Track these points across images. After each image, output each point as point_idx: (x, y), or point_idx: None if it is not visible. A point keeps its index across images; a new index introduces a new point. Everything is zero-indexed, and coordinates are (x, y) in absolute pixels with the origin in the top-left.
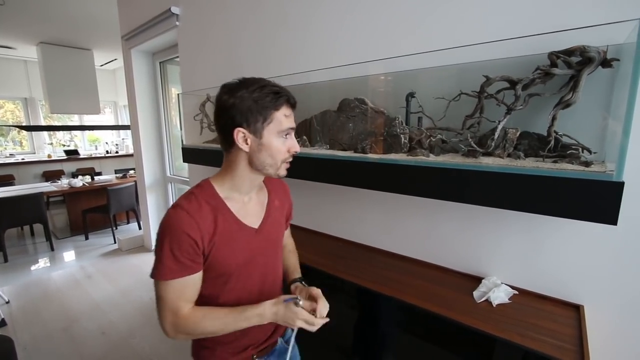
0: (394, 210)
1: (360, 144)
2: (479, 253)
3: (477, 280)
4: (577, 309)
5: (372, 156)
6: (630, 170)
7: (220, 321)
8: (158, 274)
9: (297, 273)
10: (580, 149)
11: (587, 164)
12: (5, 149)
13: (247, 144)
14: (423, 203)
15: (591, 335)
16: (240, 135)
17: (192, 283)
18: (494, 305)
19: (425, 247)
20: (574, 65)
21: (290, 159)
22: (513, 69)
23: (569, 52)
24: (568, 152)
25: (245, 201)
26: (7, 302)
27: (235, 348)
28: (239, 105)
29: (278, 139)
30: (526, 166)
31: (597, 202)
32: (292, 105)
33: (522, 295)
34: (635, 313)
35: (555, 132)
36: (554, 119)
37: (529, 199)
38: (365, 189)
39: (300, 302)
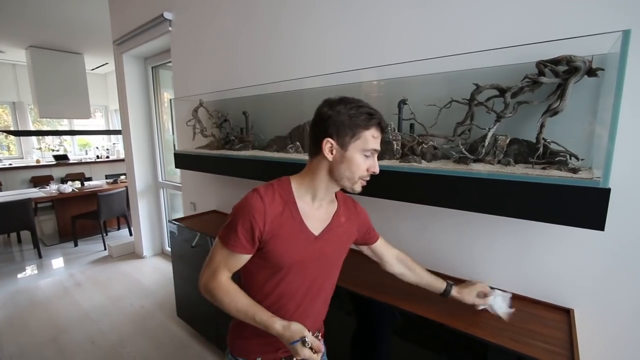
0: (385, 217)
1: None
2: (471, 258)
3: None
4: (568, 313)
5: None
6: (617, 177)
7: (236, 306)
8: (221, 235)
9: (440, 282)
10: (568, 156)
11: (574, 170)
12: None
13: (332, 154)
14: (415, 209)
15: (581, 338)
16: (327, 145)
17: (238, 259)
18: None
19: (417, 252)
20: (560, 74)
21: (368, 178)
22: (502, 77)
23: (556, 62)
24: (556, 158)
25: (315, 207)
26: None
27: (267, 344)
28: (335, 118)
29: (360, 156)
30: (516, 172)
31: (585, 208)
32: (382, 129)
33: (515, 300)
34: (623, 315)
35: (543, 139)
36: (542, 126)
37: (519, 205)
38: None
39: (308, 344)
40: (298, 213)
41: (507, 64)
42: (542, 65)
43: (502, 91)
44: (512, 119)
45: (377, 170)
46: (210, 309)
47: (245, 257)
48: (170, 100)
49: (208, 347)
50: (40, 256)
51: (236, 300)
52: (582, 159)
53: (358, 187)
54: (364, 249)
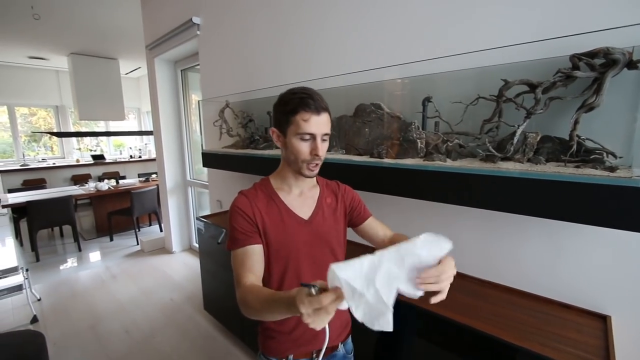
0: (410, 216)
1: (376, 148)
2: (498, 260)
3: (496, 287)
4: (604, 320)
5: (387, 161)
6: None
7: (256, 300)
8: (227, 246)
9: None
10: (604, 154)
11: (612, 169)
12: (38, 154)
13: (279, 141)
14: (440, 209)
15: (618, 347)
16: (274, 134)
17: (250, 254)
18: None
19: None
20: (597, 67)
21: (316, 162)
22: (533, 72)
23: (592, 54)
24: (591, 156)
25: (296, 194)
26: (39, 300)
27: (295, 341)
28: (276, 108)
29: (298, 141)
30: (547, 171)
31: (622, 208)
32: (314, 110)
33: (545, 304)
34: None
35: (577, 136)
36: (576, 122)
37: (550, 205)
38: (381, 193)
39: (314, 290)
40: (282, 202)
41: (538, 58)
42: (576, 58)
43: (532, 87)
44: (543, 115)
45: (319, 153)
46: (235, 303)
47: (257, 249)
48: (199, 101)
49: (233, 340)
50: (80, 249)
51: (258, 294)
52: (620, 157)
53: (306, 171)
54: (359, 233)
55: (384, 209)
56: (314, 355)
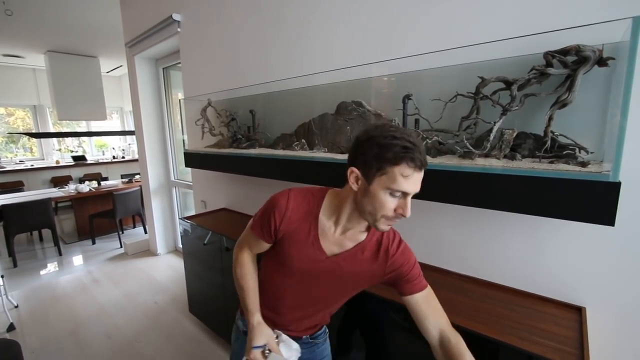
0: None
1: None
2: (478, 255)
3: (476, 282)
4: (579, 311)
5: None
6: (629, 170)
7: (241, 279)
8: (253, 220)
9: None
10: (577, 149)
11: (583, 164)
12: (16, 155)
13: (357, 184)
14: (421, 205)
15: (592, 337)
16: (353, 174)
17: (258, 243)
18: None
19: (423, 249)
20: (569, 64)
21: (396, 219)
22: (509, 70)
23: (564, 52)
24: (565, 152)
25: (337, 232)
26: (16, 307)
27: (267, 319)
28: (364, 145)
29: (385, 194)
30: (522, 167)
31: (594, 202)
32: (418, 167)
33: (524, 298)
34: (636, 314)
35: (552, 132)
36: (550, 119)
37: (526, 201)
38: None
39: (267, 354)
40: (316, 229)
41: (513, 55)
42: (550, 56)
43: (508, 84)
44: (519, 112)
45: (406, 214)
46: (221, 305)
47: (264, 244)
48: (180, 100)
49: (219, 342)
50: (60, 254)
51: (245, 276)
52: (591, 152)
53: (382, 226)
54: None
55: None
56: (275, 330)
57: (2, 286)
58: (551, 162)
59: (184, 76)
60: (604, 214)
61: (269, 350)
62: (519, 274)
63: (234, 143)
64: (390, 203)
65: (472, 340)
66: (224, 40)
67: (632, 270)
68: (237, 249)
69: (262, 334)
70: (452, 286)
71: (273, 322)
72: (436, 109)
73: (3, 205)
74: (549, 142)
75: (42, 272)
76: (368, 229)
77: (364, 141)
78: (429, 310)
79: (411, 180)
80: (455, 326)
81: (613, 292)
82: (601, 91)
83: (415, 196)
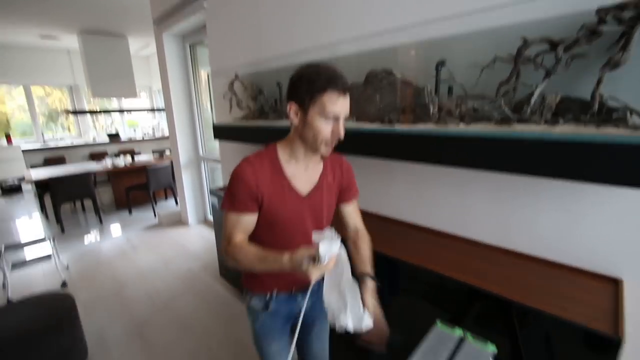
0: (421, 183)
1: (388, 115)
2: (510, 226)
3: (507, 252)
4: (616, 283)
5: (399, 127)
6: None
7: (248, 259)
8: (223, 205)
9: (366, 266)
10: (628, 113)
11: (635, 127)
12: (56, 133)
13: (296, 117)
14: (453, 175)
15: (629, 310)
16: (292, 109)
17: (244, 220)
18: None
19: (454, 219)
20: (626, 20)
21: (334, 143)
22: (554, 30)
23: (621, 7)
24: (614, 116)
25: (302, 169)
26: (67, 267)
27: (278, 280)
28: (297, 82)
29: (321, 121)
30: (565, 131)
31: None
32: (342, 91)
33: (557, 268)
34: None
35: (600, 95)
36: (599, 81)
37: (568, 166)
38: (393, 159)
39: (318, 260)
40: (285, 176)
41: (558, 15)
42: (603, 12)
43: (553, 45)
44: (564, 76)
45: (341, 135)
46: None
47: (252, 217)
48: (208, 74)
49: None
50: (101, 222)
51: (248, 252)
52: None
53: (323, 151)
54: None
55: (394, 177)
56: (293, 289)
57: (54, 249)
58: (598, 127)
59: (210, 51)
60: None
61: (313, 258)
62: (552, 244)
63: (261, 116)
64: (325, 128)
65: (500, 305)
66: (249, 13)
67: None
68: (225, 244)
69: (299, 252)
70: (481, 256)
71: (281, 278)
72: (472, 76)
73: (51, 178)
74: (596, 106)
75: (86, 238)
76: (321, 157)
77: (296, 80)
78: (355, 214)
79: (338, 104)
80: (482, 291)
81: None
82: None
83: (446, 162)
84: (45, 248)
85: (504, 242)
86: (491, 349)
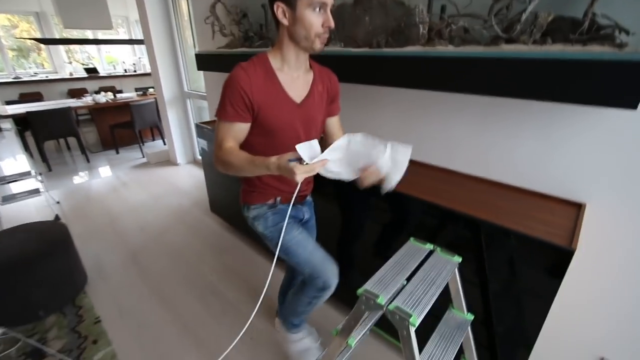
0: (407, 111)
1: (376, 38)
2: (489, 155)
3: (483, 181)
4: (579, 207)
5: (386, 50)
6: None
7: (239, 160)
8: (217, 113)
9: None
10: (617, 30)
11: (620, 45)
12: (30, 69)
13: (285, 17)
14: (439, 102)
15: (586, 228)
16: (280, 10)
17: (238, 128)
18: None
19: (439, 152)
20: None
21: (326, 35)
22: None
23: None
24: (600, 34)
25: (294, 77)
26: (58, 203)
27: (282, 183)
28: None
29: (311, 13)
30: (550, 50)
31: (617, 84)
32: None
33: (529, 195)
34: (633, 212)
35: (592, 13)
36: None
37: (550, 87)
38: (379, 85)
39: (304, 160)
40: (279, 82)
41: None
42: None
43: None
44: None
45: (331, 25)
46: (238, 205)
47: (245, 126)
48: None
49: (238, 235)
50: (88, 161)
51: (239, 155)
52: (633, 33)
53: (318, 45)
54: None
55: (381, 103)
56: (279, 200)
57: (42, 183)
58: (585, 45)
59: None
60: (628, 96)
61: (299, 159)
62: (527, 173)
63: (246, 42)
64: (317, 20)
65: (467, 223)
66: None
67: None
68: (217, 149)
69: (285, 155)
70: (457, 183)
71: (283, 190)
72: None
73: (28, 112)
74: (586, 24)
75: (75, 176)
76: (310, 67)
77: None
78: (339, 126)
79: None
80: (451, 211)
81: (615, 191)
82: None
83: (433, 86)
84: (33, 183)
85: (483, 172)
86: (456, 259)
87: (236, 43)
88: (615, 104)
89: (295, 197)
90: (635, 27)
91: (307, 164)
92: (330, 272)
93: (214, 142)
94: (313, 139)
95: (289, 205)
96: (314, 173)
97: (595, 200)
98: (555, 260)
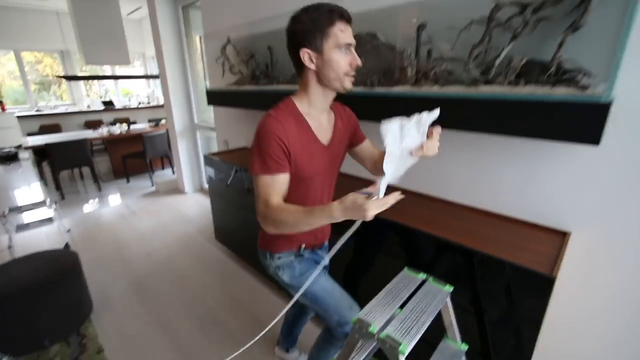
0: None
1: (369, 78)
2: (477, 185)
3: (473, 210)
4: (564, 235)
5: (378, 89)
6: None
7: (293, 216)
8: (254, 169)
9: None
10: (580, 74)
11: (584, 87)
12: (50, 101)
13: (312, 62)
14: None
15: (569, 255)
16: (306, 55)
17: (281, 180)
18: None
19: (431, 182)
20: None
21: (353, 73)
22: None
23: None
24: (566, 77)
25: (321, 120)
26: (69, 231)
27: (308, 233)
28: (300, 28)
29: (338, 53)
30: (522, 92)
31: (581, 123)
32: (347, 20)
33: (517, 224)
34: (614, 241)
35: (559, 57)
36: (561, 44)
37: (523, 124)
38: (372, 121)
39: (372, 196)
40: (309, 127)
41: None
42: None
43: (523, 7)
44: (533, 40)
45: (359, 63)
46: (243, 233)
47: (287, 177)
48: (200, 37)
49: (242, 264)
50: (100, 189)
51: (292, 211)
52: (595, 76)
53: (348, 84)
54: (355, 153)
55: (374, 141)
56: (304, 247)
57: (56, 212)
58: (553, 86)
59: (203, 13)
60: (590, 134)
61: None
62: (514, 203)
63: (253, 80)
64: (343, 59)
65: (455, 251)
66: None
67: (616, 201)
68: (262, 208)
69: (348, 196)
70: (450, 213)
71: (310, 236)
72: (451, 40)
73: (47, 144)
74: (553, 68)
75: (86, 204)
76: (330, 107)
77: (297, 26)
78: (372, 147)
79: (347, 32)
80: (441, 240)
81: (598, 221)
82: (617, 13)
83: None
84: (47, 212)
85: (473, 202)
86: (447, 288)
87: (244, 80)
88: (580, 140)
89: (316, 244)
90: (596, 70)
91: (376, 197)
92: None
93: (257, 201)
94: (334, 176)
95: (313, 252)
96: (388, 207)
97: (578, 228)
98: (539, 287)
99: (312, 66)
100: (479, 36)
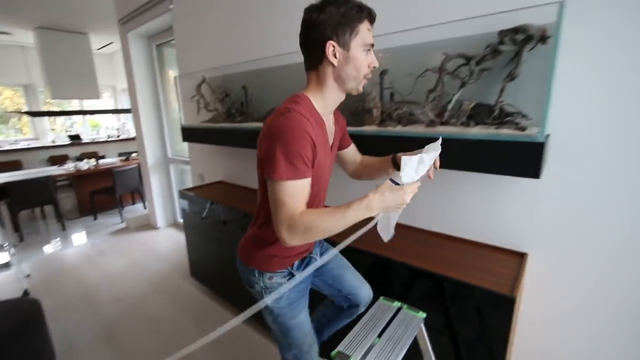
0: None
1: None
2: (443, 212)
3: (439, 236)
4: (522, 256)
5: (350, 129)
6: (562, 131)
7: (323, 220)
8: (279, 174)
9: (386, 158)
10: (519, 116)
11: (523, 128)
12: (9, 136)
13: (335, 57)
14: None
15: (527, 274)
16: (331, 49)
17: (307, 185)
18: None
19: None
20: (518, 42)
21: (370, 76)
22: (472, 46)
23: (515, 30)
24: (507, 119)
25: (330, 121)
26: (28, 276)
27: (297, 252)
28: (329, 20)
29: (362, 53)
30: (472, 132)
31: (524, 159)
32: (374, 20)
33: (479, 247)
34: (565, 261)
35: (501, 102)
36: (502, 90)
37: (476, 161)
38: None
39: (402, 180)
40: (326, 129)
41: (475, 33)
42: (502, 34)
43: (467, 59)
44: (479, 86)
45: (377, 64)
46: (220, 269)
47: (308, 182)
48: (175, 77)
49: (220, 301)
50: (64, 229)
51: (322, 215)
52: (531, 119)
53: (361, 87)
54: (341, 156)
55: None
56: (305, 253)
57: (14, 256)
58: (497, 128)
59: (177, 53)
60: (531, 168)
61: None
62: (475, 226)
63: (228, 118)
64: (365, 60)
65: (426, 277)
66: (217, 16)
67: (565, 225)
68: (290, 220)
69: (381, 187)
70: (418, 239)
71: (301, 252)
72: (410, 83)
73: (7, 183)
74: (497, 111)
75: (48, 246)
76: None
77: (324, 17)
78: (356, 153)
79: (371, 32)
80: (414, 268)
81: (550, 242)
82: (543, 65)
83: None
84: (3, 256)
85: (438, 227)
86: (420, 315)
87: (219, 118)
88: (523, 174)
89: (304, 262)
90: (532, 114)
91: (404, 184)
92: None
93: (279, 211)
94: (328, 180)
95: (300, 269)
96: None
97: (534, 250)
98: (503, 306)
99: (334, 61)
100: (434, 82)
